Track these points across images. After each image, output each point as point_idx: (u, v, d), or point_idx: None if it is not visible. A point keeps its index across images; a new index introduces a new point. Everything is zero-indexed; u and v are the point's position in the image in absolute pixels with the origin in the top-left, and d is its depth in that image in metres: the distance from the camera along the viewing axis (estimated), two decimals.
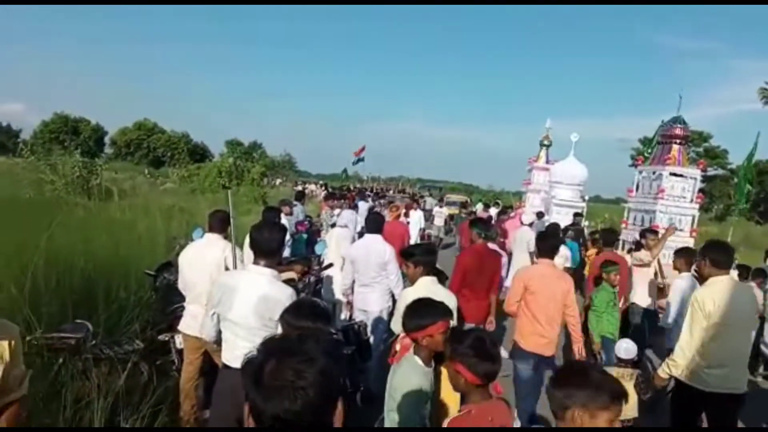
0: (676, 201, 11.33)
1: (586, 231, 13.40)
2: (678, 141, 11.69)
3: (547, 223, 11.48)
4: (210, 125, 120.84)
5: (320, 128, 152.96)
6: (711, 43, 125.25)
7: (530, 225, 10.29)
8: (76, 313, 4.81)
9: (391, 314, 5.57)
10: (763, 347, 7.78)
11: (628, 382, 4.52)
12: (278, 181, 35.72)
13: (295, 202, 10.41)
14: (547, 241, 5.21)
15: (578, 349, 5.01)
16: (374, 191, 23.73)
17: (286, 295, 3.17)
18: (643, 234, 7.93)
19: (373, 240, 5.81)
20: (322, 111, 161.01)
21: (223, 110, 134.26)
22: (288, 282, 3.93)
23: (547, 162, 18.40)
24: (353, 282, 5.81)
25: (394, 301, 5.60)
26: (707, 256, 4.21)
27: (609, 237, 7.92)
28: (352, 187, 23.98)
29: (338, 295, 6.31)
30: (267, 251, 3.31)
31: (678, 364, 4.08)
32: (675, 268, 6.36)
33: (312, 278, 6.23)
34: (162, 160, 61.14)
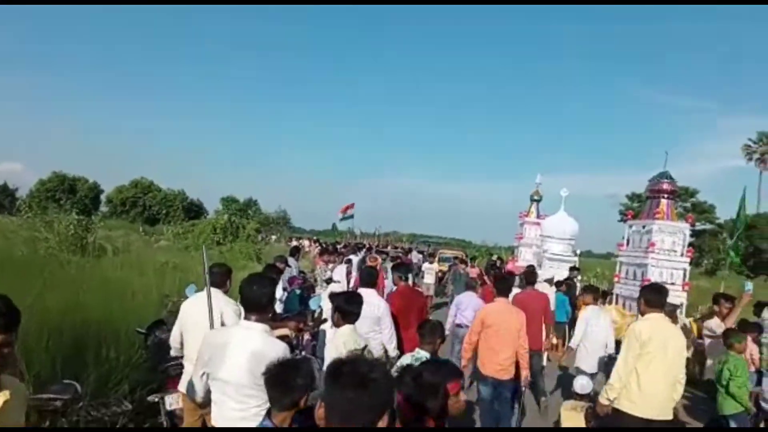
0: (667, 255, 11.44)
1: (578, 285, 13.42)
2: (666, 195, 11.91)
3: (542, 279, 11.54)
4: (206, 183, 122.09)
5: (314, 185, 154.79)
6: (695, 101, 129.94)
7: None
8: (66, 372, 4.77)
9: None
10: (762, 403, 7.70)
11: (579, 413, 5.31)
12: (273, 237, 35.75)
13: (289, 258, 10.45)
14: (504, 283, 6.28)
15: (525, 377, 5.86)
16: (368, 247, 23.72)
17: (279, 351, 3.10)
18: (716, 300, 7.10)
19: (367, 294, 5.78)
20: (316, 168, 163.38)
21: (219, 168, 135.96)
22: (282, 338, 3.92)
23: (538, 217, 18.61)
24: None
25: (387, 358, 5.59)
26: (643, 297, 4.91)
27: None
28: (344, 243, 24.04)
29: None
30: (257, 305, 3.27)
31: (614, 387, 4.67)
32: (583, 302, 7.74)
33: (306, 335, 6.20)
34: (157, 217, 61.21)
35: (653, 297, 4.82)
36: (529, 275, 8.48)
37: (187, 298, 5.33)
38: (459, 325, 8.01)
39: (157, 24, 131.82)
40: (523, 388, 6.19)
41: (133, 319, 6.61)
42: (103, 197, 68.16)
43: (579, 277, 13.97)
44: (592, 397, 5.49)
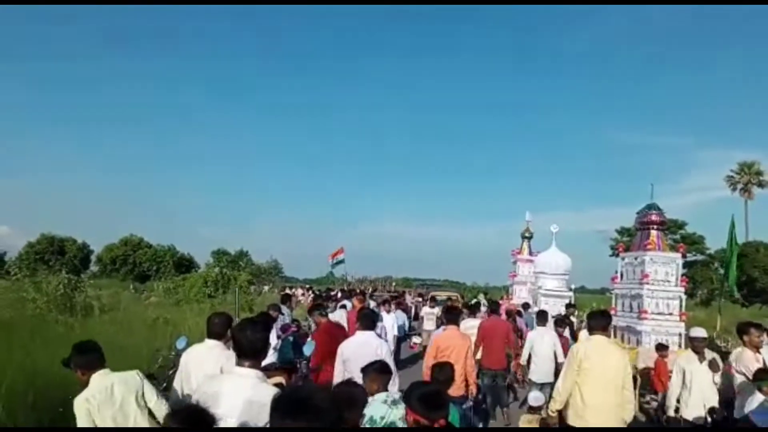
0: (662, 285, 11.41)
1: (575, 322, 13.32)
2: (655, 227, 11.98)
3: (533, 314, 11.51)
4: (196, 237, 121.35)
5: (305, 233, 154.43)
6: (672, 138, 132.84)
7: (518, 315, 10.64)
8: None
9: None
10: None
11: (535, 424, 5.86)
12: (265, 287, 35.42)
13: (282, 306, 10.32)
14: (452, 314, 7.38)
15: (471, 391, 6.70)
16: (361, 291, 23.53)
17: (271, 398, 3.04)
18: (744, 330, 6.18)
19: (366, 337, 5.69)
20: (307, 216, 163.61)
21: (209, 222, 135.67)
22: (277, 386, 3.81)
23: (530, 254, 18.64)
24: None
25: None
26: (588, 322, 5.86)
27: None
28: (338, 290, 23.86)
29: None
30: (251, 351, 3.19)
31: (557, 400, 5.36)
32: (538, 324, 9.16)
33: (299, 380, 6.07)
34: (148, 274, 60.61)
35: (594, 322, 5.59)
36: (494, 305, 10.38)
37: (177, 350, 5.21)
38: None
39: (138, 78, 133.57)
40: (479, 397, 7.53)
41: None
42: (93, 257, 67.63)
43: (576, 313, 13.87)
44: (543, 407, 6.10)
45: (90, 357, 3.92)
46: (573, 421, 5.22)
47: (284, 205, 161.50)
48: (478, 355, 8.30)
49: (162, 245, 65.75)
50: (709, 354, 6.54)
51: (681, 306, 11.45)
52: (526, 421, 6.05)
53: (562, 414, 5.39)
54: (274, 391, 3.16)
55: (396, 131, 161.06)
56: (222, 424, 3.04)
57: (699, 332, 6.72)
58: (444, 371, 4.94)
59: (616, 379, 5.17)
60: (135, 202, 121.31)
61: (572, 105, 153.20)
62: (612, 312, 12.60)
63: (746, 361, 5.83)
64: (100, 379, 3.83)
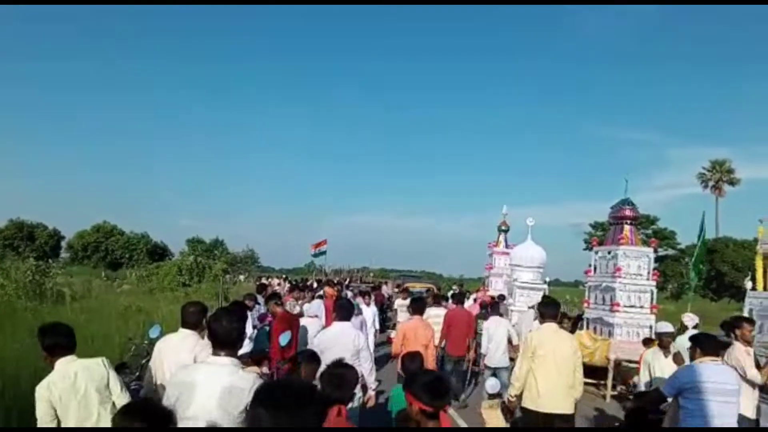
0: (634, 278, 11.61)
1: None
2: (628, 221, 12.15)
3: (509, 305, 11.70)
4: (171, 225, 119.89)
5: (282, 223, 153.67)
6: (649, 134, 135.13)
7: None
8: (23, 422, 4.52)
9: (362, 405, 5.40)
10: None
11: (496, 409, 5.88)
12: (241, 277, 35.18)
13: (258, 296, 10.25)
14: (418, 303, 7.97)
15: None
16: (338, 282, 23.51)
17: (250, 382, 3.00)
18: (735, 324, 5.96)
19: (344, 328, 5.69)
20: (284, 206, 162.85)
21: (184, 210, 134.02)
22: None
23: (507, 246, 18.78)
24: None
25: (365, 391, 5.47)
26: (538, 310, 6.08)
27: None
28: (315, 280, 23.80)
29: None
30: (226, 341, 3.16)
31: (514, 386, 5.63)
32: (492, 314, 9.57)
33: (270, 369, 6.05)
34: (120, 262, 59.73)
35: (545, 310, 5.84)
36: (459, 296, 11.11)
37: (150, 339, 5.13)
38: None
39: (113, 64, 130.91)
40: None
41: None
42: (64, 243, 66.36)
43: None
44: (501, 394, 6.37)
45: (54, 340, 3.64)
46: (529, 404, 5.51)
47: (261, 194, 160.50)
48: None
49: (135, 233, 64.80)
50: (674, 348, 6.69)
51: (652, 299, 11.66)
52: (486, 406, 6.19)
53: (519, 398, 5.66)
54: (253, 376, 3.14)
55: (374, 123, 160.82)
56: (199, 414, 3.00)
57: (665, 327, 6.87)
58: (415, 361, 4.98)
59: (568, 363, 5.49)
60: (108, 188, 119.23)
61: (549, 99, 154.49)
62: (585, 304, 12.80)
63: (737, 354, 5.75)
64: (64, 365, 3.58)
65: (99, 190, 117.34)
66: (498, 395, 6.31)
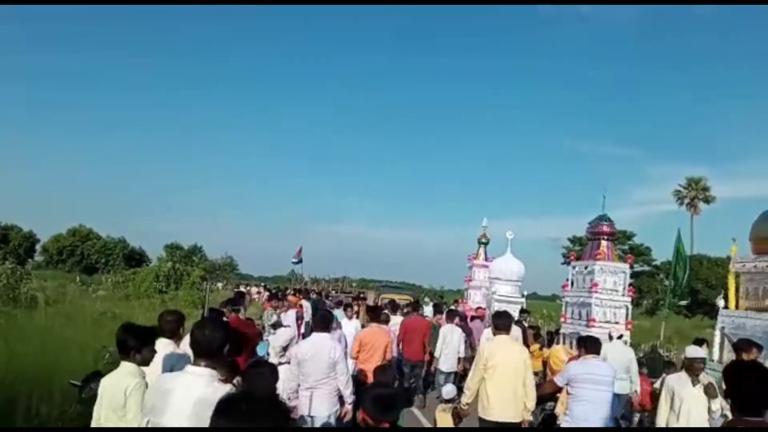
0: (610, 294, 11.77)
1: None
2: (606, 237, 12.34)
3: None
4: (148, 230, 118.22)
5: (262, 230, 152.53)
6: (627, 149, 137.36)
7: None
8: None
9: (339, 419, 5.40)
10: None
11: (447, 413, 6.24)
12: (219, 284, 34.83)
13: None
14: (376, 312, 8.72)
15: None
16: (319, 292, 23.42)
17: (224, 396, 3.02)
18: (744, 348, 5.92)
19: (321, 338, 5.68)
20: (264, 213, 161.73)
21: (162, 215, 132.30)
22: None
23: (486, 259, 18.90)
24: (298, 385, 5.59)
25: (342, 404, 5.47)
26: (492, 322, 6.46)
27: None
28: (293, 289, 23.70)
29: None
30: (207, 351, 3.13)
31: (466, 394, 5.90)
32: (440, 321, 10.36)
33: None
34: (96, 267, 58.73)
35: (499, 322, 6.11)
36: (415, 304, 12.30)
37: None
38: None
39: (88, 62, 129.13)
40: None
41: (68, 372, 6.23)
42: (38, 246, 65.10)
43: (528, 319, 14.16)
44: (455, 399, 6.69)
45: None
46: (481, 412, 5.76)
47: (241, 200, 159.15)
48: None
49: (112, 237, 63.82)
50: (705, 378, 5.72)
51: (627, 315, 11.83)
52: (440, 409, 6.58)
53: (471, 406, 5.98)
54: (226, 388, 3.13)
55: (355, 131, 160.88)
56: (172, 421, 2.99)
57: (696, 352, 5.79)
58: (387, 373, 5.02)
59: (518, 374, 5.72)
60: (85, 191, 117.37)
61: (529, 113, 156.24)
62: (562, 319, 12.93)
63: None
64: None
65: (76, 193, 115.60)
66: (452, 400, 6.67)
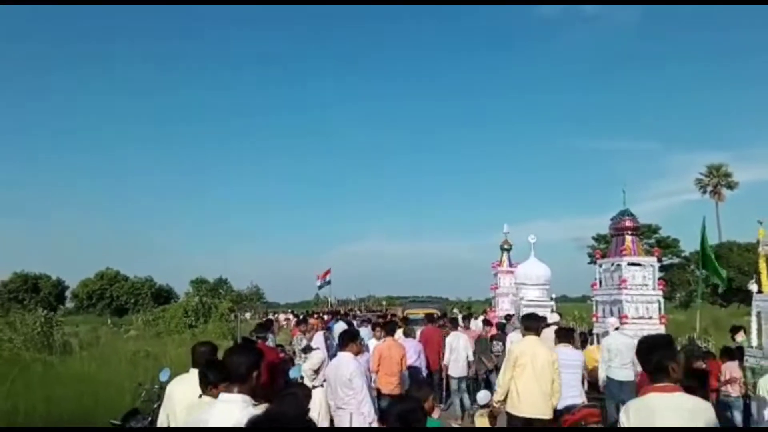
0: (639, 289, 11.59)
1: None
2: (629, 232, 12.20)
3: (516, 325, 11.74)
4: (174, 267, 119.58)
5: (285, 257, 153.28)
6: (643, 143, 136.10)
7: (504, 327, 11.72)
8: None
9: None
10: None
11: (484, 417, 6.54)
12: (247, 314, 35.04)
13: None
14: (390, 326, 8.97)
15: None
16: (344, 313, 23.42)
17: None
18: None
19: (342, 357, 5.73)
20: (286, 240, 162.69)
21: (187, 250, 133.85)
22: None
23: (510, 265, 18.77)
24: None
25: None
26: (522, 324, 6.85)
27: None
28: (320, 312, 23.75)
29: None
30: (236, 376, 3.15)
31: (498, 392, 6.23)
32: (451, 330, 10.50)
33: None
34: (125, 307, 59.44)
35: (528, 323, 6.50)
36: (430, 316, 12.40)
37: (161, 383, 5.14)
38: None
39: (104, 103, 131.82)
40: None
41: (106, 412, 6.33)
42: (68, 293, 66.18)
43: (560, 322, 13.99)
44: (489, 404, 6.77)
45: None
46: (510, 408, 6.07)
47: (262, 230, 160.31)
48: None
49: (139, 277, 64.58)
50: None
51: (660, 309, 11.64)
52: (478, 414, 6.89)
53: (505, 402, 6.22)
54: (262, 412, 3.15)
55: (368, 147, 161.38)
56: None
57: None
58: (423, 391, 4.97)
59: (545, 373, 6.00)
60: (109, 235, 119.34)
61: (541, 114, 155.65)
62: (594, 319, 12.76)
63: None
64: None
65: (99, 237, 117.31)
66: (487, 405, 6.75)
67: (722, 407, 8.08)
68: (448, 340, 10.08)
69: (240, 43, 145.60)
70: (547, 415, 5.97)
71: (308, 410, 4.32)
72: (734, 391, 8.15)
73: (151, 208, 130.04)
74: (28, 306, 30.79)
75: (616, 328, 9.61)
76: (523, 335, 6.55)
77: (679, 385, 3.17)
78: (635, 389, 8.48)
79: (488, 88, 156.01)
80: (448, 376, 10.00)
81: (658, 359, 3.17)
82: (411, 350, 9.61)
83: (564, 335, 7.36)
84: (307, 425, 2.13)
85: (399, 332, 10.60)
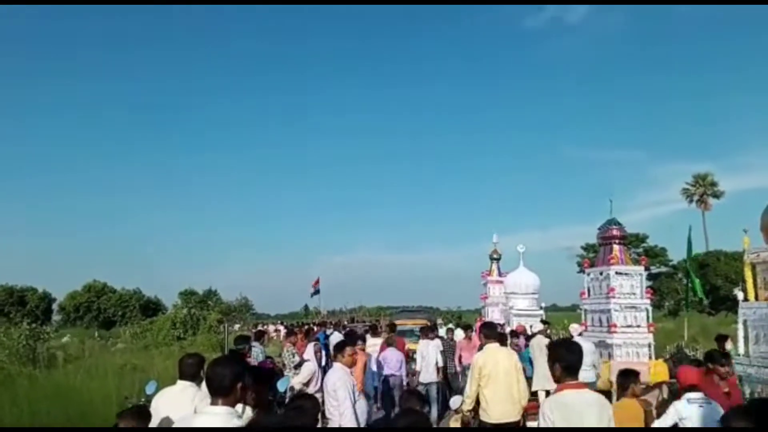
0: (628, 298, 11.65)
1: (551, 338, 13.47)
2: (617, 241, 12.27)
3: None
4: (162, 279, 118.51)
5: (274, 269, 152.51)
6: (628, 153, 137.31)
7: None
8: None
9: None
10: None
11: (457, 422, 6.82)
12: (236, 326, 34.77)
13: (254, 343, 10.16)
14: (350, 337, 8.44)
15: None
16: (335, 324, 23.34)
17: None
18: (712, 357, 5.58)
19: (333, 369, 5.77)
20: (274, 252, 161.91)
21: (175, 262, 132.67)
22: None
23: (500, 275, 18.83)
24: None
25: None
26: (482, 333, 7.09)
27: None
28: (311, 323, 23.64)
29: None
30: (219, 387, 3.11)
31: (466, 402, 6.48)
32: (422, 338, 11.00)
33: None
34: (113, 320, 58.81)
35: (487, 332, 6.83)
36: (392, 326, 12.88)
37: (147, 395, 5.09)
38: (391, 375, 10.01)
39: (89, 110, 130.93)
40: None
41: (92, 425, 6.26)
42: (55, 306, 65.41)
43: (549, 331, 14.03)
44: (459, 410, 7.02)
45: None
46: (482, 416, 6.36)
47: (250, 241, 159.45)
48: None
49: (127, 289, 63.99)
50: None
51: (648, 317, 11.69)
52: (453, 420, 7.17)
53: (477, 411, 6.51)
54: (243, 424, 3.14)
55: (357, 157, 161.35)
56: None
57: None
58: (411, 400, 4.96)
59: (510, 377, 6.31)
60: (97, 247, 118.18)
61: (530, 124, 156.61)
62: (583, 327, 12.79)
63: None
64: None
65: (86, 249, 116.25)
66: (460, 409, 7.12)
67: None
68: (419, 348, 10.61)
69: (226, 49, 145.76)
70: (517, 417, 6.33)
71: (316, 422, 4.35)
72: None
73: (139, 220, 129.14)
74: (14, 319, 30.39)
75: (580, 334, 10.59)
76: (483, 344, 6.75)
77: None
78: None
79: (478, 98, 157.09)
80: (418, 383, 10.30)
81: (574, 361, 3.81)
82: (393, 360, 10.07)
83: (493, 334, 7.18)
84: None
85: (377, 340, 11.38)
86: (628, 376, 5.37)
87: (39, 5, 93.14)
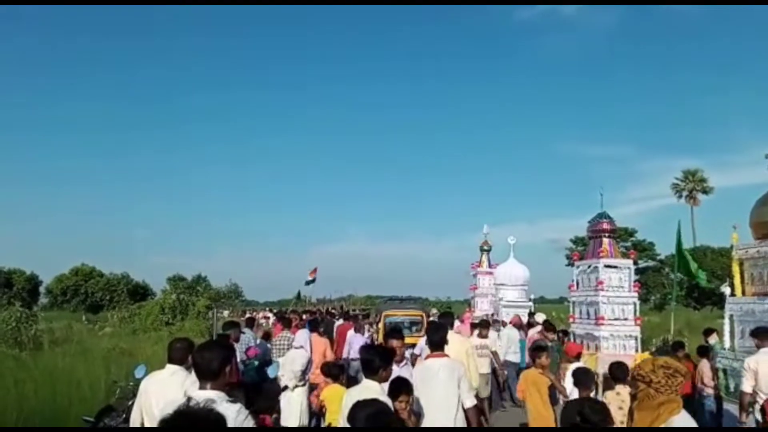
0: (616, 291, 11.74)
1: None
2: (607, 234, 12.34)
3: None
4: (151, 264, 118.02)
5: (265, 257, 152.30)
6: (619, 148, 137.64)
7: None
8: None
9: None
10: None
11: None
12: (225, 312, 34.75)
13: (244, 330, 10.14)
14: (314, 323, 9.81)
15: None
16: (326, 312, 23.36)
17: (231, 413, 2.99)
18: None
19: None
20: (266, 239, 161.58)
21: (164, 247, 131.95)
22: None
23: (490, 266, 18.89)
24: None
25: None
26: (438, 319, 7.56)
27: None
28: (301, 311, 23.64)
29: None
30: (207, 372, 3.14)
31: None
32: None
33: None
34: (101, 304, 58.52)
35: (444, 320, 7.50)
36: (345, 314, 13.99)
37: (135, 379, 5.08)
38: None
39: (81, 101, 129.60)
40: None
41: (80, 409, 6.24)
42: (42, 288, 64.97)
43: (533, 322, 14.12)
44: None
45: None
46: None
47: (242, 228, 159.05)
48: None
49: (115, 273, 63.66)
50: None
51: (635, 311, 11.78)
52: None
53: None
54: (237, 407, 3.13)
55: (348, 148, 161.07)
56: None
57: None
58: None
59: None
60: (85, 229, 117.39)
61: (521, 117, 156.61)
62: (570, 320, 12.90)
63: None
64: None
65: (75, 232, 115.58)
66: None
67: (699, 406, 8.28)
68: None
69: (228, 40, 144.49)
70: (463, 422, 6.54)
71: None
72: (708, 388, 8.38)
73: (128, 204, 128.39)
74: (0, 301, 30.17)
75: (504, 325, 12.36)
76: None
77: None
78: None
79: (469, 92, 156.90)
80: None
81: (440, 337, 5.15)
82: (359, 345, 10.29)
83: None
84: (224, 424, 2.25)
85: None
86: (537, 351, 6.54)
87: (39, 5, 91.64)
